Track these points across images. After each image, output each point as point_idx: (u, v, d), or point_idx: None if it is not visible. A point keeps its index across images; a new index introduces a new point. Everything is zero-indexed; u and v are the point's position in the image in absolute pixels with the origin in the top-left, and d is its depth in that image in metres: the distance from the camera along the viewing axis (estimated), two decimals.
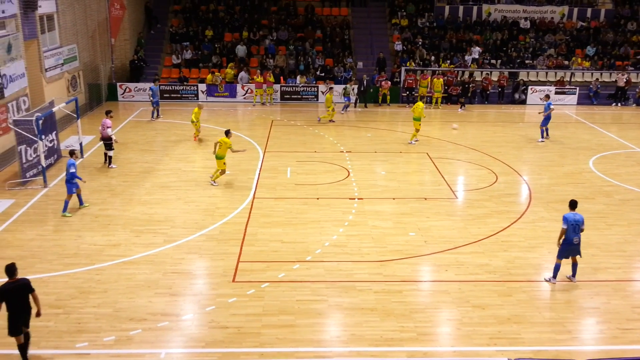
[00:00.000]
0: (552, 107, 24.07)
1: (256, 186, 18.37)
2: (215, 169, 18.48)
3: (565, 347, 10.62)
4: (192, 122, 23.30)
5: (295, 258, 13.72)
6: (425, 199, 17.57)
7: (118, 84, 30.81)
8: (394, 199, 17.58)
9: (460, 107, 30.30)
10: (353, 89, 29.98)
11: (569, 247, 12.42)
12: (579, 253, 12.59)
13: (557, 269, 12.70)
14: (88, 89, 29.03)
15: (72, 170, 15.79)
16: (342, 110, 28.91)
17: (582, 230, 12.40)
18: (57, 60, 25.68)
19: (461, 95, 30.77)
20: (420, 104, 23.52)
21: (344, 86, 29.83)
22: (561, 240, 12.50)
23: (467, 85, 30.77)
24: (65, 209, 15.97)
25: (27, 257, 13.55)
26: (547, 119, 24.19)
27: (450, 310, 11.70)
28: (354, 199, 17.50)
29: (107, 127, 19.75)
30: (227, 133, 18.44)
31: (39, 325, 10.67)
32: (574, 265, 12.76)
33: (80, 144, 20.97)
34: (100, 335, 10.69)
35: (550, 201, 17.52)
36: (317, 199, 17.40)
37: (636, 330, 11.10)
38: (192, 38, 33.99)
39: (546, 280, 12.82)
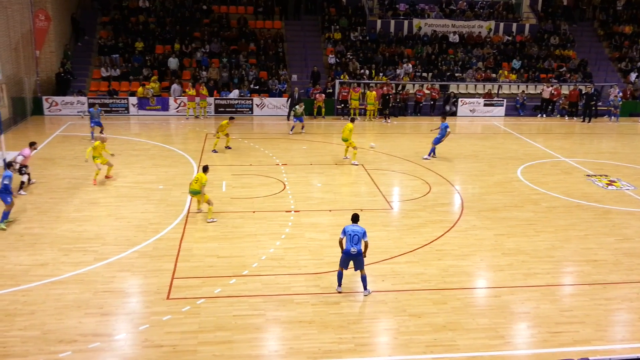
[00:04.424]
0: (448, 130, 23.44)
1: (190, 201, 18.05)
2: None
3: (498, 352, 10.85)
4: (93, 157, 19.31)
5: (232, 273, 13.52)
6: (361, 210, 17.70)
7: (44, 97, 29.77)
8: (330, 210, 17.63)
9: (385, 119, 30.77)
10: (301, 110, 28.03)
11: (347, 257, 12.49)
12: (362, 266, 12.59)
13: (339, 276, 12.75)
14: (12, 102, 27.89)
15: (6, 182, 15.53)
16: (302, 129, 27.61)
17: (366, 243, 12.43)
18: None
19: (384, 107, 31.21)
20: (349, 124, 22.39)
21: (294, 108, 28.35)
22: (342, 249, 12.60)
23: (387, 97, 31.14)
24: (2, 220, 15.57)
25: None
26: (439, 137, 23.51)
27: (387, 320, 11.78)
28: (291, 211, 17.45)
29: (19, 155, 18.55)
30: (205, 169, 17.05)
31: None
32: (362, 278, 12.70)
33: (4, 160, 20.06)
34: (28, 359, 10.18)
35: (482, 210, 17.98)
36: (253, 212, 17.25)
37: (565, 333, 11.46)
38: (121, 50, 33.25)
39: (338, 292, 12.78)
